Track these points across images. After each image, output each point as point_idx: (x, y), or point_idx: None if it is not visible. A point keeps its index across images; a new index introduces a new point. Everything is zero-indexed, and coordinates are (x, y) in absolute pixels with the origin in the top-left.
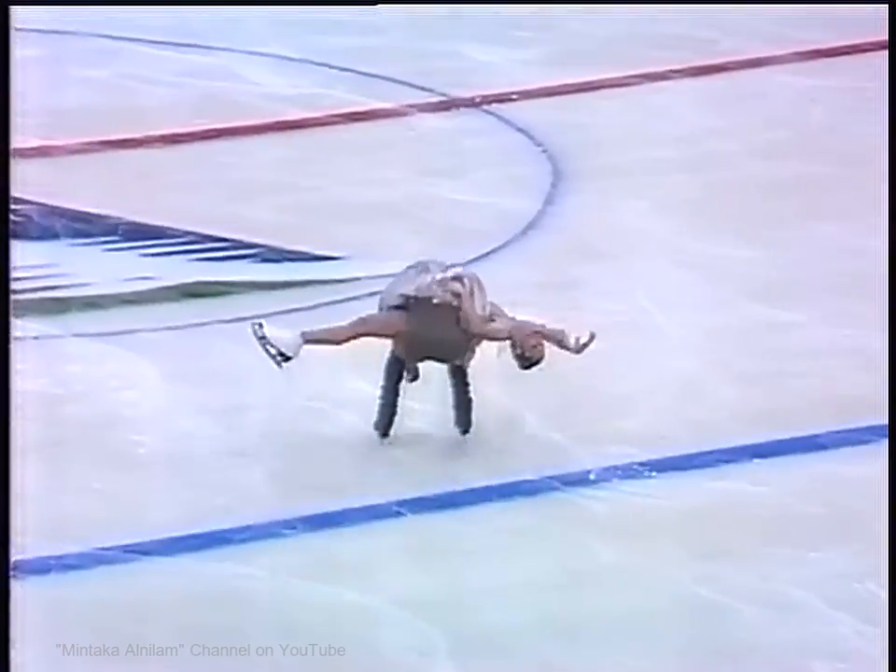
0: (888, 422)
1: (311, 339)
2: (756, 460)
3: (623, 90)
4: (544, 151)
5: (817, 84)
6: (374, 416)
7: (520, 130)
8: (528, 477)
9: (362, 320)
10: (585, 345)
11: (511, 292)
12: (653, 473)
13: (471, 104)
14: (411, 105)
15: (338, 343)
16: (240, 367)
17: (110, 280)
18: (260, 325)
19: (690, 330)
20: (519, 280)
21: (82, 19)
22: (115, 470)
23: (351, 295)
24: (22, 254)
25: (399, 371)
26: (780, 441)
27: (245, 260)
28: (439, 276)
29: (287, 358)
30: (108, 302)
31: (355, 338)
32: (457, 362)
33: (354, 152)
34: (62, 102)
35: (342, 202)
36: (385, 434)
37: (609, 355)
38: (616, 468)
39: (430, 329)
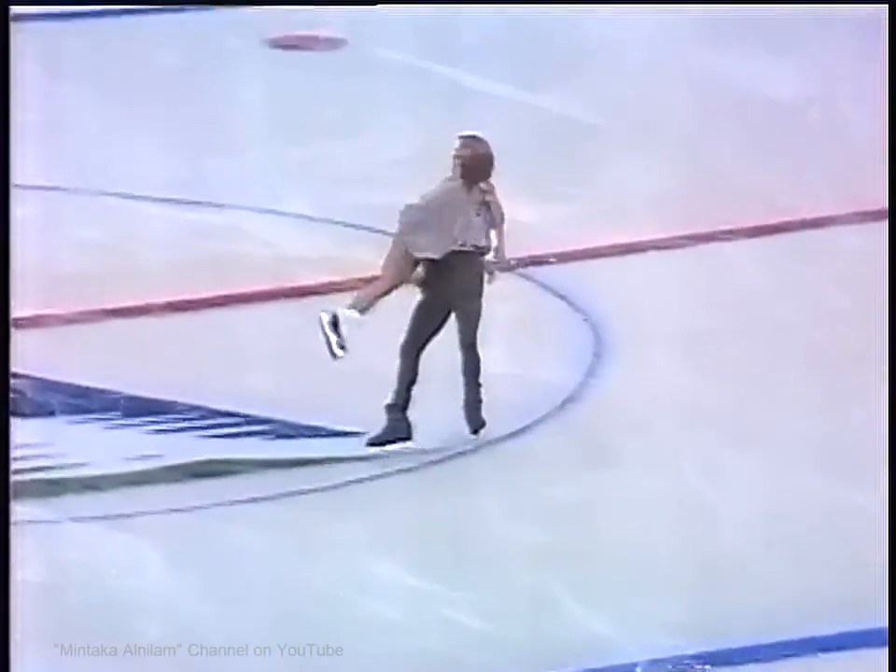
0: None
1: (364, 308)
2: (822, 654)
3: (672, 251)
4: (585, 319)
5: (880, 247)
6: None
7: (559, 296)
8: None
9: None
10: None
11: (549, 468)
12: (707, 668)
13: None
14: None
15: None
16: (251, 552)
17: (110, 460)
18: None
19: (744, 509)
20: (558, 455)
21: (82, 174)
22: (118, 663)
23: (373, 474)
24: (16, 432)
25: (417, 349)
26: (851, 634)
27: (258, 437)
28: None
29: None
30: (108, 484)
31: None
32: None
33: (376, 319)
34: (58, 267)
35: (361, 373)
36: (405, 407)
37: (654, 534)
38: (664, 661)
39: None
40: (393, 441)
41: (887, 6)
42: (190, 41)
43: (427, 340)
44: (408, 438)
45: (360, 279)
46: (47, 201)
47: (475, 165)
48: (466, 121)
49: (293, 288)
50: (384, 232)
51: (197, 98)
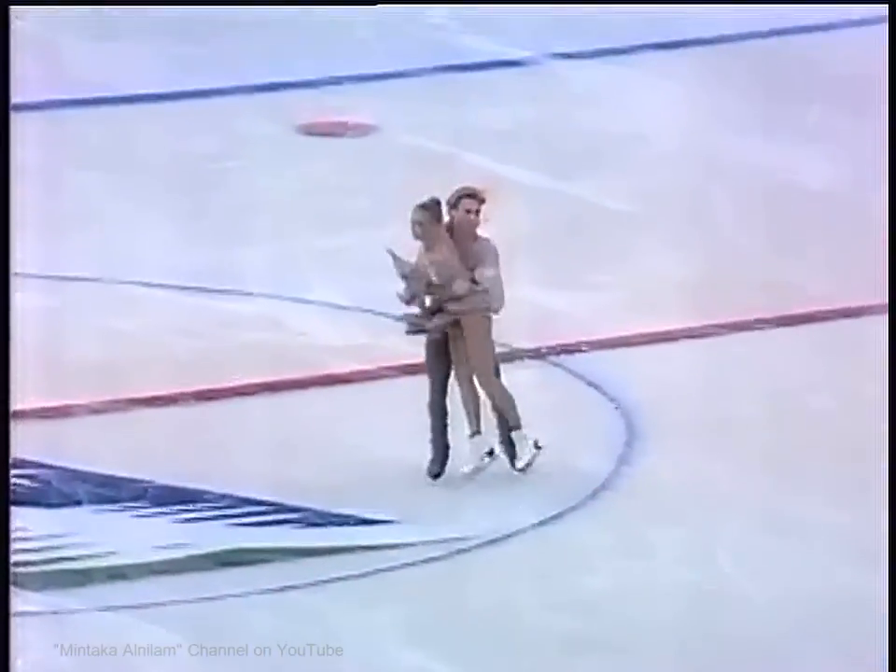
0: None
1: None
2: None
3: (704, 340)
4: (617, 407)
5: None
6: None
7: (591, 384)
8: None
9: None
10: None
11: (581, 558)
12: None
13: (537, 355)
14: None
15: None
16: (281, 640)
17: (138, 549)
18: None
19: (778, 599)
20: (590, 545)
21: (111, 262)
22: None
23: (404, 562)
24: (40, 522)
25: (443, 407)
26: None
27: (288, 525)
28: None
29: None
30: (136, 573)
31: None
32: None
33: (406, 408)
34: (86, 356)
35: (391, 461)
36: (437, 475)
37: (686, 622)
38: None
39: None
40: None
41: (887, 6)
42: (220, 127)
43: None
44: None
45: (389, 367)
46: (76, 290)
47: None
48: (496, 209)
49: (323, 377)
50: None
51: (226, 185)
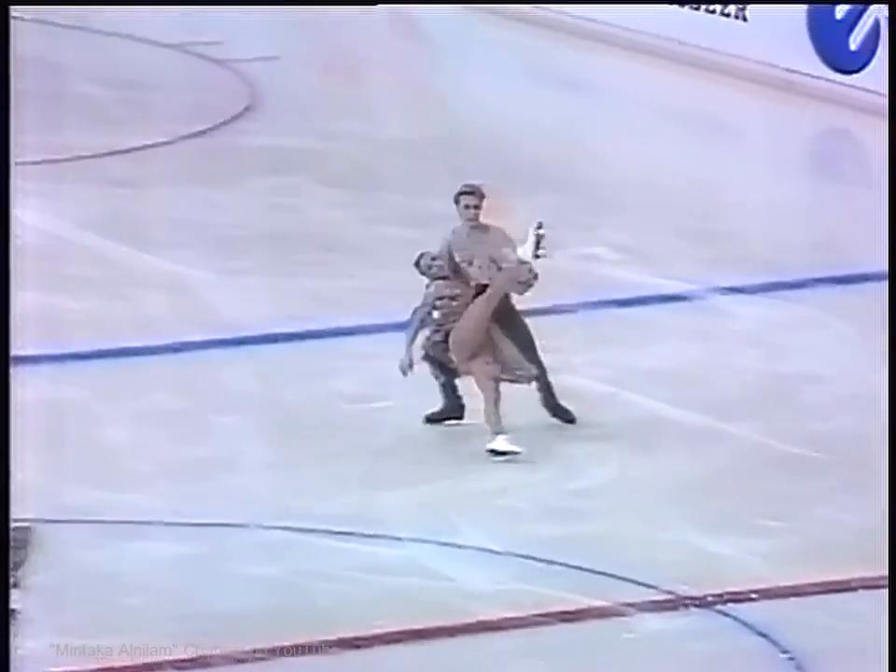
0: None
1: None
2: None
3: (880, 590)
4: (791, 658)
5: None
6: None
7: (760, 633)
8: None
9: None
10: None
11: None
12: None
13: (703, 603)
14: (629, 604)
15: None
16: None
17: None
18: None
19: None
20: None
21: (251, 507)
22: None
23: None
24: None
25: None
26: None
27: None
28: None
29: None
30: None
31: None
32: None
33: (558, 655)
34: (223, 604)
35: None
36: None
37: None
38: None
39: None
40: (448, 419)
41: (887, 6)
42: (363, 367)
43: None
44: (461, 417)
45: (540, 614)
46: (217, 535)
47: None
48: (654, 449)
49: (472, 624)
50: (566, 565)
51: (372, 427)
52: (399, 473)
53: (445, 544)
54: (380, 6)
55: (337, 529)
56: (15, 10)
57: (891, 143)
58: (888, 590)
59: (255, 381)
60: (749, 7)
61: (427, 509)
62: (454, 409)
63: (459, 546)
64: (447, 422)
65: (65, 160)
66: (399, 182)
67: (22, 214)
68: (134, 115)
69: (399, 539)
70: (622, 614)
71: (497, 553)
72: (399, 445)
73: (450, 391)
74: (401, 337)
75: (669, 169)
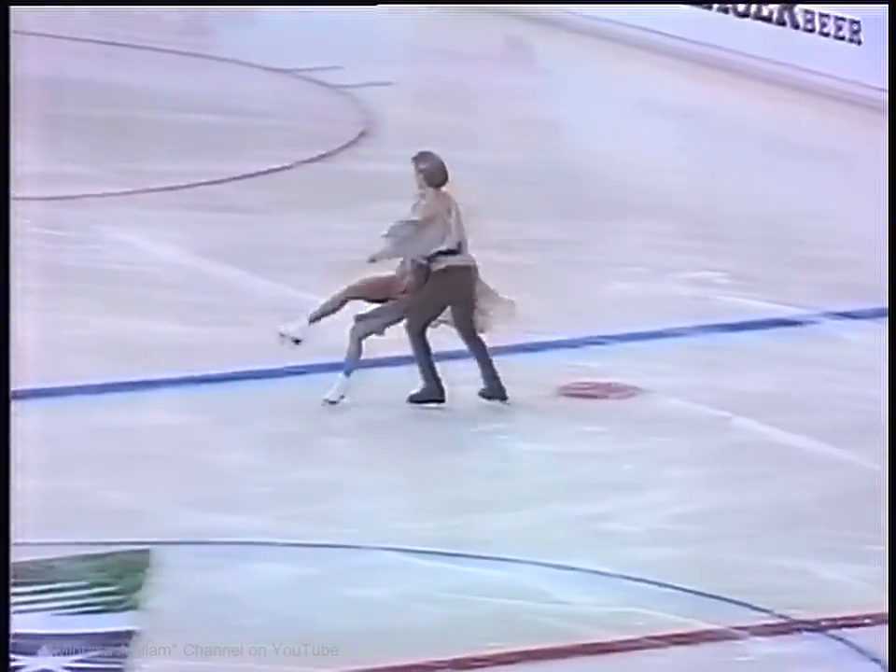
0: None
1: (314, 318)
2: None
3: None
4: None
5: None
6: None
7: (874, 659)
8: None
9: (355, 287)
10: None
11: None
12: None
13: (817, 628)
14: (742, 628)
15: (335, 310)
16: None
17: None
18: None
19: None
20: None
21: (362, 531)
22: None
23: None
24: None
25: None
26: None
27: None
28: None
29: (298, 341)
30: None
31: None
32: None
33: None
34: (334, 626)
35: None
36: (435, 374)
37: None
38: None
39: (455, 291)
40: (430, 402)
41: (887, 6)
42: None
43: (427, 325)
44: (442, 400)
45: (652, 637)
46: (327, 555)
47: (435, 172)
48: (766, 474)
49: (585, 646)
50: (678, 588)
51: (482, 449)
52: (509, 497)
53: (554, 566)
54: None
55: (446, 551)
56: (129, 40)
57: (892, 142)
58: (888, 588)
59: (366, 404)
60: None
61: (537, 532)
62: (433, 391)
63: (570, 569)
64: (429, 404)
65: (186, 186)
66: (508, 209)
67: (145, 242)
68: (252, 141)
69: (508, 560)
70: (734, 638)
71: (608, 575)
72: (508, 469)
73: (430, 373)
74: (504, 363)
75: (781, 199)
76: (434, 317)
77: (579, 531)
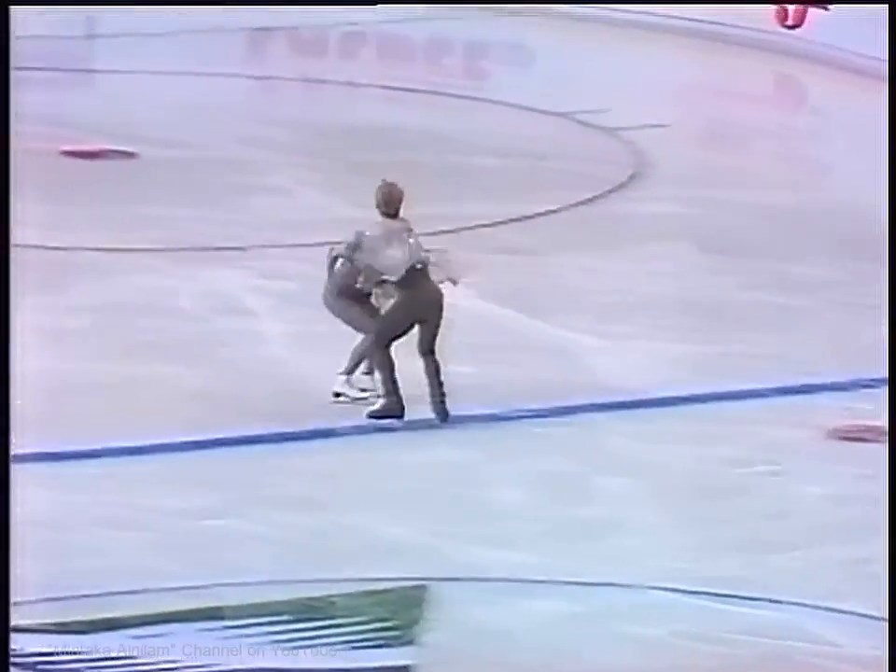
0: None
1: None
2: None
3: None
4: None
5: None
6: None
7: None
8: None
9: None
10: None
11: None
12: None
13: None
14: None
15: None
16: None
17: None
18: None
19: None
20: None
21: (631, 570)
22: None
23: None
24: None
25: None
26: None
27: None
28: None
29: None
30: None
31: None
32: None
33: None
34: (609, 664)
35: None
36: (396, 389)
37: None
38: None
39: (425, 310)
40: (389, 417)
41: (887, 6)
42: (746, 431)
43: (394, 340)
44: (401, 417)
45: None
46: (601, 593)
47: (392, 200)
48: None
49: None
50: None
51: (754, 491)
52: (783, 537)
53: (825, 608)
54: None
55: (721, 592)
56: (408, 84)
57: (892, 142)
58: (888, 589)
59: (638, 444)
60: None
61: (811, 573)
62: (392, 407)
63: (842, 612)
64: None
65: (464, 228)
66: (774, 249)
67: None
68: (526, 184)
69: (781, 602)
70: None
71: (878, 619)
72: (784, 509)
73: (392, 388)
74: (777, 405)
75: None
76: (403, 334)
77: (850, 573)
